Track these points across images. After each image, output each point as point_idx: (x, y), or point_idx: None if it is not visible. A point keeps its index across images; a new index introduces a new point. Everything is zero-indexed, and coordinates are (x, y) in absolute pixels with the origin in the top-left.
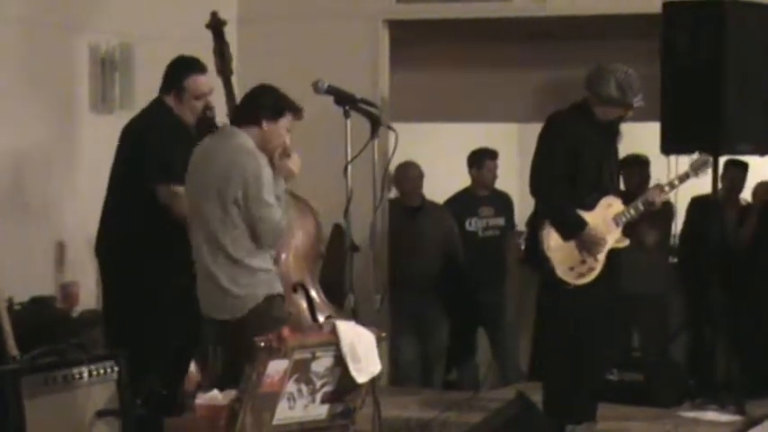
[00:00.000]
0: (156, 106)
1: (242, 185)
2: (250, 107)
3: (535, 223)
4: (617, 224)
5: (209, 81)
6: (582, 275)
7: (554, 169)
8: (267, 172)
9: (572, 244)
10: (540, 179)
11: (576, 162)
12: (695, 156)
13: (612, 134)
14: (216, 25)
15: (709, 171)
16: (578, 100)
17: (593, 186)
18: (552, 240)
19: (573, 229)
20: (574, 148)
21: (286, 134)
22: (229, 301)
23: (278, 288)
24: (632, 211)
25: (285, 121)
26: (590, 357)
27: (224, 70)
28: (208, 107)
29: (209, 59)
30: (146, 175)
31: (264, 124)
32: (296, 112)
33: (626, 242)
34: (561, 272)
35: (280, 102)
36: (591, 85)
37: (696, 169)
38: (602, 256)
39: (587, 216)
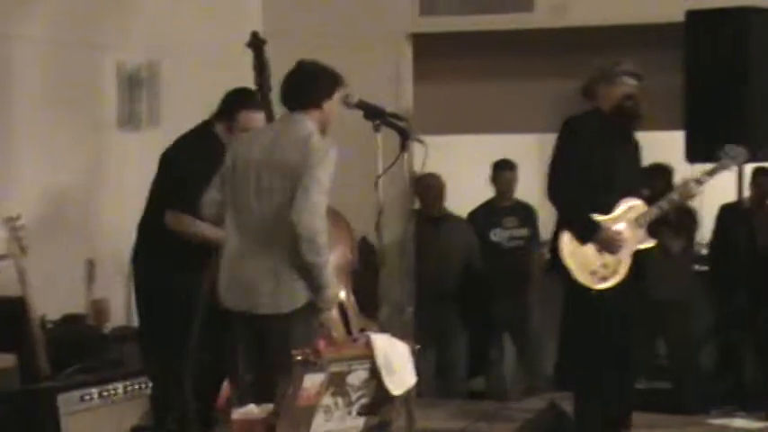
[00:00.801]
0: (205, 131)
1: (307, 160)
2: (310, 91)
3: (557, 231)
4: (640, 225)
5: (261, 118)
6: (605, 279)
7: (568, 174)
8: (333, 160)
9: (592, 247)
10: (554, 184)
11: (590, 163)
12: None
13: (627, 135)
14: (256, 44)
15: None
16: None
17: (608, 186)
18: (570, 245)
19: (588, 232)
20: (587, 151)
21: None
22: (279, 292)
23: None
24: (656, 211)
25: (338, 94)
26: (619, 365)
27: (263, 86)
28: None
29: (234, 75)
30: (167, 197)
31: (325, 105)
32: (342, 81)
33: (652, 242)
34: (582, 277)
35: (332, 78)
36: (596, 75)
37: (726, 163)
38: (626, 258)
39: (608, 220)
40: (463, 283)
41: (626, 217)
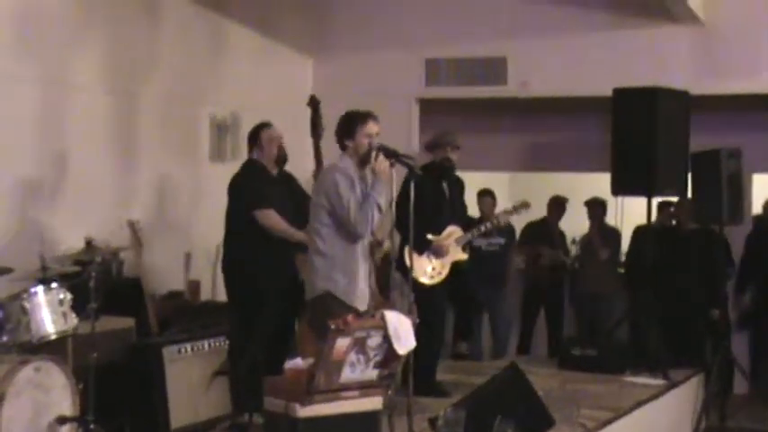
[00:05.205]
0: (248, 163)
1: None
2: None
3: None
4: (458, 244)
5: (276, 130)
6: (432, 278)
7: (406, 214)
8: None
9: (424, 257)
10: (399, 219)
11: (423, 199)
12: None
13: (450, 184)
14: (314, 104)
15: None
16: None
17: (436, 217)
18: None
19: (422, 245)
20: (419, 197)
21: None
22: None
23: None
24: (469, 236)
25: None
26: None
27: (315, 135)
28: (280, 147)
29: (292, 123)
30: (247, 208)
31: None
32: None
33: (465, 256)
34: (419, 276)
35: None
36: (430, 140)
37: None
38: (447, 265)
39: (435, 239)
40: (453, 276)
41: (449, 237)
